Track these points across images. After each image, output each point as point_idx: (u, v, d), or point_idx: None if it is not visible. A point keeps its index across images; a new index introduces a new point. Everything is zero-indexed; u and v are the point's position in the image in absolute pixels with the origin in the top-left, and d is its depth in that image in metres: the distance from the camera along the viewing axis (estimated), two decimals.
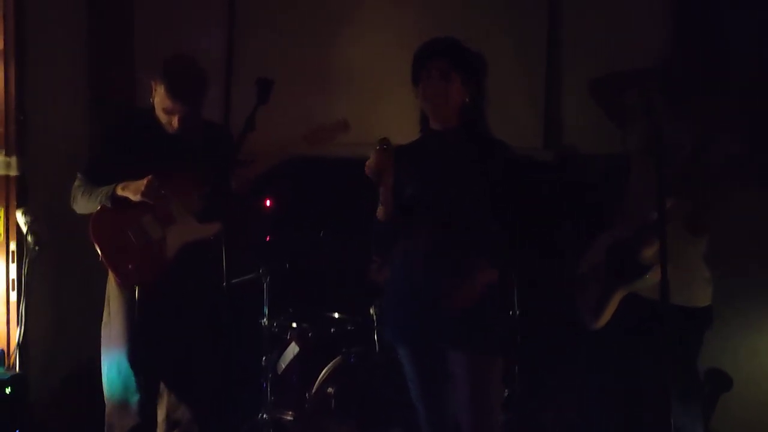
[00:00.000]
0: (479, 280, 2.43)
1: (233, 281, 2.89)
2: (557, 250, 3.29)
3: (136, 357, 2.84)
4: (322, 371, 3.23)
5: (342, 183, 3.40)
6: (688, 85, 2.79)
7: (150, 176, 2.74)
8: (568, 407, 3.43)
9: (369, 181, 2.46)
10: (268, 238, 3.57)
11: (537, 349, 3.32)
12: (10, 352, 3.29)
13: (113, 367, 2.89)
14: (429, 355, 2.53)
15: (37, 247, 3.27)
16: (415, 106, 2.60)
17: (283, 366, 3.43)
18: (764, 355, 3.36)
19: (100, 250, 2.83)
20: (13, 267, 3.34)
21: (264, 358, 3.38)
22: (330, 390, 3.18)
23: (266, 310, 3.39)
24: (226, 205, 2.59)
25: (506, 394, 3.14)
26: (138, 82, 3.68)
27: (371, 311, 3.20)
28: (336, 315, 3.43)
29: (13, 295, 3.34)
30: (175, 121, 2.82)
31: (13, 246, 3.35)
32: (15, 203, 3.35)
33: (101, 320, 2.97)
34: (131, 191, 2.77)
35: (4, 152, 3.34)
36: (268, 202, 3.56)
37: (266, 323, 3.40)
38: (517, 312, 3.21)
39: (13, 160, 3.35)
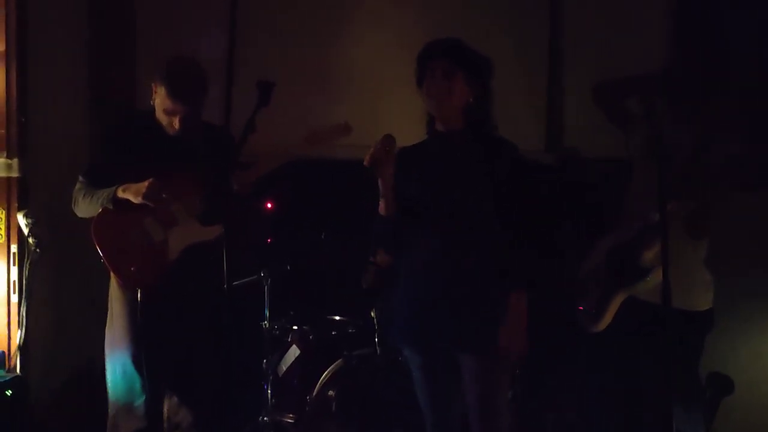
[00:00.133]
0: (520, 316, 2.44)
1: (234, 283, 2.90)
2: (558, 251, 3.28)
3: (140, 359, 2.83)
4: (323, 374, 3.23)
5: (343, 185, 3.40)
6: (688, 85, 2.79)
7: (151, 178, 2.74)
8: (568, 410, 3.43)
9: (370, 182, 2.46)
10: (269, 241, 3.57)
11: (538, 352, 3.31)
12: (11, 354, 3.29)
13: (118, 368, 2.89)
14: (436, 358, 2.52)
15: (38, 250, 3.26)
16: (417, 107, 2.60)
17: (284, 368, 3.43)
18: (766, 359, 3.35)
19: (102, 253, 2.83)
20: (14, 269, 3.34)
21: (265, 361, 3.38)
22: (331, 393, 3.18)
23: (267, 313, 3.39)
24: (227, 206, 2.58)
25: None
26: (139, 84, 3.68)
27: (372, 314, 3.20)
28: (337, 318, 3.43)
29: (14, 297, 3.33)
30: (176, 123, 2.81)
31: (14, 248, 3.35)
32: (16, 205, 3.35)
33: (103, 322, 2.97)
34: (132, 193, 2.77)
35: (5, 154, 3.34)
36: (269, 205, 3.56)
37: (267, 325, 3.40)
38: None
39: (15, 162, 3.35)
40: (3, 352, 3.30)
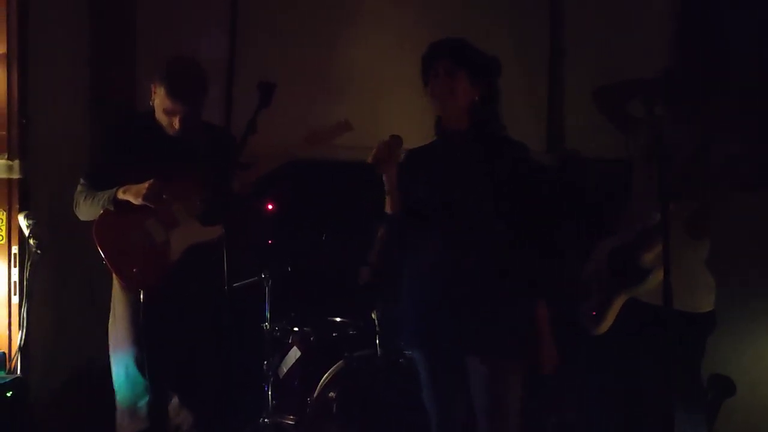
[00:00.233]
0: (548, 329, 2.44)
1: (235, 285, 2.90)
2: (558, 251, 3.27)
3: (142, 360, 2.83)
4: (323, 375, 3.22)
5: (344, 186, 3.40)
6: (689, 86, 2.78)
7: (152, 180, 2.74)
8: (570, 411, 3.42)
9: (371, 183, 2.46)
10: (270, 242, 3.57)
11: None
12: (12, 356, 3.28)
13: (121, 370, 2.89)
14: (444, 360, 2.51)
15: (38, 251, 3.26)
16: (418, 107, 2.60)
17: (285, 370, 3.42)
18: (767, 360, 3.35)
19: (104, 254, 2.83)
20: (15, 270, 3.34)
21: (266, 362, 3.37)
22: (331, 394, 3.17)
23: (268, 314, 3.39)
24: (228, 206, 2.58)
25: None
26: (139, 84, 3.68)
27: (373, 315, 3.19)
28: (338, 319, 3.42)
29: (15, 299, 3.33)
30: (175, 122, 2.81)
31: (15, 249, 3.34)
32: (17, 206, 3.34)
33: (103, 323, 2.97)
34: (132, 195, 2.77)
35: (6, 156, 3.33)
36: (269, 206, 3.56)
37: (268, 327, 3.39)
38: None
39: (16, 163, 3.34)
40: (3, 353, 3.29)
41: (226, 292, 2.34)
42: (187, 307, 2.86)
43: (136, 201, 2.76)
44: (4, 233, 3.34)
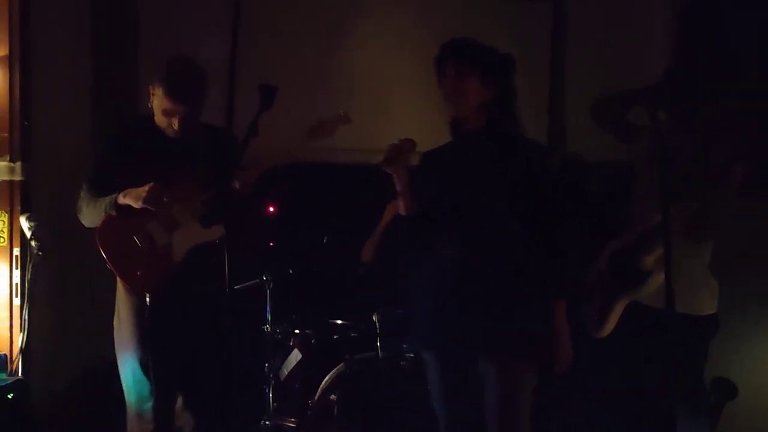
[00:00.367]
0: (566, 329, 2.43)
1: (237, 287, 2.89)
2: (561, 251, 3.26)
3: (148, 363, 2.83)
4: (324, 378, 3.22)
5: (346, 188, 3.40)
6: (690, 87, 2.78)
7: (152, 183, 2.74)
8: (573, 414, 3.41)
9: (372, 185, 2.45)
10: (271, 244, 3.56)
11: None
12: (13, 357, 3.29)
13: (128, 373, 2.88)
14: (456, 361, 2.49)
15: (40, 253, 3.26)
16: (418, 108, 2.59)
17: (286, 372, 3.42)
18: None
19: (108, 258, 2.83)
20: (16, 272, 3.34)
21: (267, 364, 3.37)
22: (332, 397, 3.17)
23: (269, 316, 3.39)
24: (228, 207, 2.57)
25: None
26: (141, 86, 3.67)
27: (374, 318, 3.19)
28: (339, 321, 3.41)
29: (17, 300, 3.33)
30: (174, 123, 2.80)
31: (16, 251, 3.35)
32: (19, 208, 3.35)
33: (104, 325, 2.96)
34: (132, 198, 2.76)
35: (8, 158, 3.34)
36: (271, 208, 3.55)
37: (269, 329, 3.39)
38: None
39: (18, 165, 3.35)
40: (5, 355, 3.30)
41: (228, 294, 2.34)
42: (190, 309, 2.86)
43: (137, 205, 2.76)
44: (5, 235, 3.34)
